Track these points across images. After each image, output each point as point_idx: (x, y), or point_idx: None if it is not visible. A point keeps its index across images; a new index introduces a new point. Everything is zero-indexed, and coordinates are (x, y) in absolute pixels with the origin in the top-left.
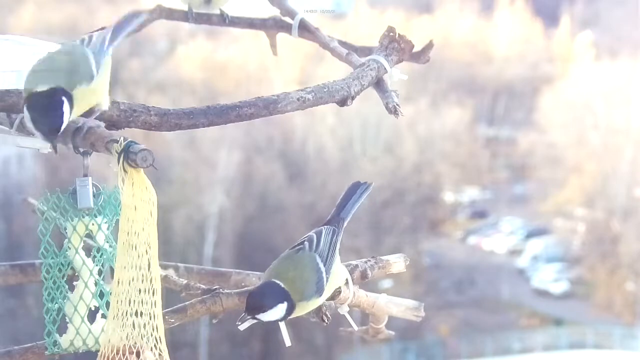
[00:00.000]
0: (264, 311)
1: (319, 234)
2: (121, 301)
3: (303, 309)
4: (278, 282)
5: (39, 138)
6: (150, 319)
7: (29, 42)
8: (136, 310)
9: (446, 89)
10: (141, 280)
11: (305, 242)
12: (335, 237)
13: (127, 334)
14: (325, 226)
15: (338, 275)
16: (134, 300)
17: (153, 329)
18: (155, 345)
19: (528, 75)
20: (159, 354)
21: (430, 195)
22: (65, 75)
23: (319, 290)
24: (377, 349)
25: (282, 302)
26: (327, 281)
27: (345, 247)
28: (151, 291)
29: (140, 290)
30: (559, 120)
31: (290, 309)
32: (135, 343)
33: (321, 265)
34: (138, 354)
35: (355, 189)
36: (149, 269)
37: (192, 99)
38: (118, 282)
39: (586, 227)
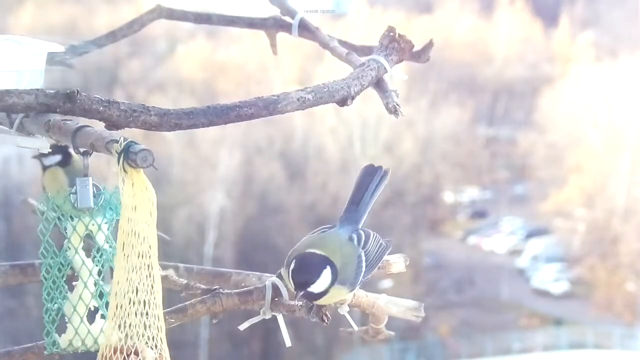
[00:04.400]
0: (313, 282)
1: (367, 234)
2: (121, 301)
3: (332, 296)
4: (313, 250)
5: (38, 140)
6: (151, 319)
7: (29, 42)
8: (136, 311)
9: (446, 89)
10: (142, 281)
11: (353, 235)
12: (377, 249)
13: (127, 335)
14: (372, 232)
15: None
16: (135, 301)
17: (153, 330)
18: (156, 346)
19: (528, 75)
20: (160, 355)
21: (430, 195)
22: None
23: (354, 282)
24: (377, 349)
25: (325, 267)
26: (360, 282)
27: None
28: (151, 292)
29: (140, 291)
30: (559, 120)
31: (336, 274)
32: (135, 343)
33: (363, 263)
34: (137, 354)
35: (371, 175)
36: (149, 270)
37: (192, 99)
38: (118, 283)
39: (586, 227)
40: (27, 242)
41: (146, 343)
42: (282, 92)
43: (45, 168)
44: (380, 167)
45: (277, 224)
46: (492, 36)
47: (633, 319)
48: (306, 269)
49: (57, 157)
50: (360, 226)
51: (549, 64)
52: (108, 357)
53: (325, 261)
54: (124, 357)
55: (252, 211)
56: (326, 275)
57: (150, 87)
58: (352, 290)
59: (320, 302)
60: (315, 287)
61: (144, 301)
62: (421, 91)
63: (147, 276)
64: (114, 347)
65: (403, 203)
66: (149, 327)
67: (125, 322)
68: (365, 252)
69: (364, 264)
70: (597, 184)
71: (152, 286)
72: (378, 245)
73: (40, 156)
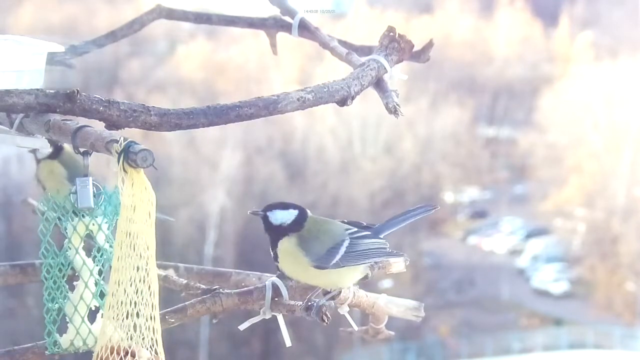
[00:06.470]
0: (272, 209)
1: (371, 236)
2: (119, 302)
3: (289, 257)
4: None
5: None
6: (148, 320)
7: (29, 42)
8: (135, 312)
9: (446, 89)
10: (139, 281)
11: (352, 227)
12: (372, 247)
13: (125, 335)
14: (383, 240)
15: (342, 278)
16: (132, 301)
17: (150, 331)
18: (151, 347)
19: (528, 75)
20: (156, 355)
21: (430, 195)
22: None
23: (322, 259)
24: (377, 349)
25: (295, 209)
26: (331, 264)
27: None
28: (149, 292)
29: (138, 291)
30: (559, 120)
31: (301, 220)
32: (130, 344)
33: (343, 248)
34: (133, 354)
35: (419, 208)
36: (146, 270)
37: (192, 99)
38: (114, 283)
39: (586, 227)
40: (27, 242)
41: (143, 343)
42: (282, 92)
43: (38, 161)
44: (433, 206)
45: None
46: (492, 36)
47: (633, 319)
48: (277, 202)
49: (47, 150)
50: (378, 235)
51: (549, 64)
52: (104, 357)
53: (298, 208)
54: (120, 357)
55: None
56: (291, 213)
57: (150, 87)
58: (315, 267)
59: (281, 264)
60: (273, 215)
61: (141, 302)
62: (421, 91)
63: (144, 277)
64: (110, 347)
65: (403, 203)
66: (145, 327)
67: (121, 323)
68: (351, 241)
69: (343, 248)
70: (597, 184)
71: (149, 287)
72: (376, 246)
73: (35, 149)
